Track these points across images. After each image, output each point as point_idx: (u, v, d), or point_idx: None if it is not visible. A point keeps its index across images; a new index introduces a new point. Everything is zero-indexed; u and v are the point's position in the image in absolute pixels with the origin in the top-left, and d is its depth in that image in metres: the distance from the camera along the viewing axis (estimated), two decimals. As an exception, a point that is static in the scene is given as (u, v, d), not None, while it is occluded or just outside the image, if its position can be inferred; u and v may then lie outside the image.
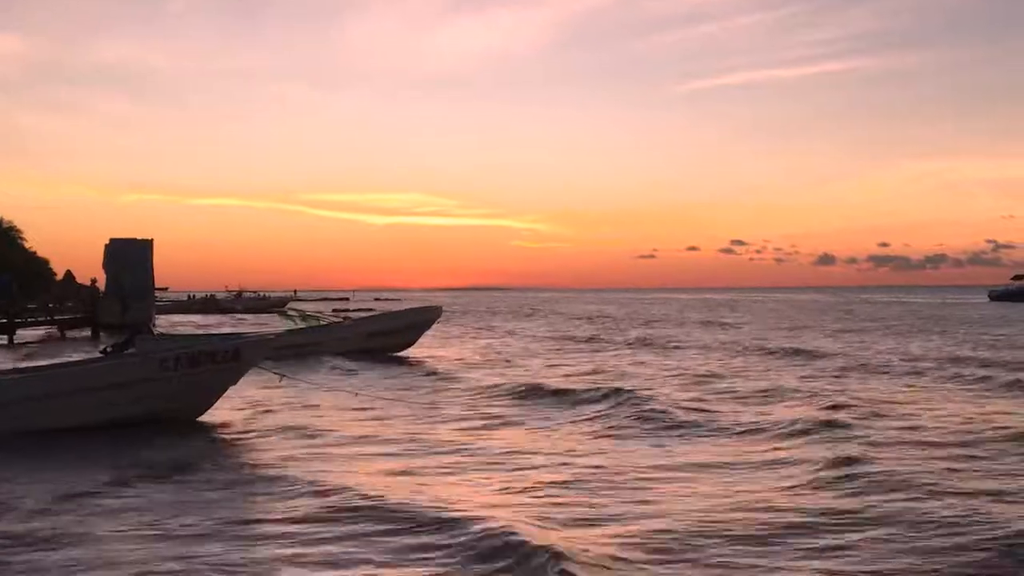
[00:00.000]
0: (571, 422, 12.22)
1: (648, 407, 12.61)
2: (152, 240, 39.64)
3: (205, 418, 12.57)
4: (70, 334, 35.76)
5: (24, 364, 16.87)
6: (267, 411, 13.45)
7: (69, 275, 51.15)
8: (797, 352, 24.46)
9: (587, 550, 5.87)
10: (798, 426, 11.01)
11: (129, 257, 38.39)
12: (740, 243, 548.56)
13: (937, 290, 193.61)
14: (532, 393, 15.19)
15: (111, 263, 38.48)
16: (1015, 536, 6.11)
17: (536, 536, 6.07)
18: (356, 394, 14.69)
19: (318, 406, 13.98)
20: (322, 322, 27.70)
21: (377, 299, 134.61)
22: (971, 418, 11.79)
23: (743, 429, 11.15)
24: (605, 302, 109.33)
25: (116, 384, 11.76)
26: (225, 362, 12.30)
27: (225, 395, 12.86)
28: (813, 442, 10.09)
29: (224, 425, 12.11)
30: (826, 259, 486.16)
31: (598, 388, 14.83)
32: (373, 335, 25.17)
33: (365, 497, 7.44)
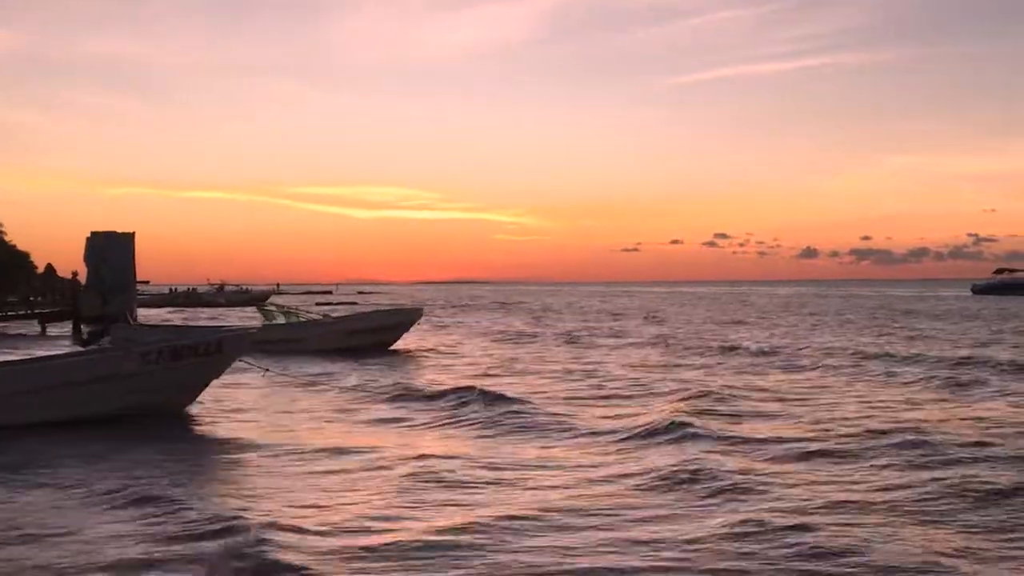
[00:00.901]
0: (422, 424, 11.95)
1: (511, 409, 12.49)
2: (134, 233, 39.30)
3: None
4: (50, 328, 35.56)
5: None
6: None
7: (50, 268, 50.76)
8: (711, 348, 24.45)
9: (343, 558, 5.82)
10: (649, 427, 10.83)
11: (110, 250, 38.04)
12: (723, 236, 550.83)
13: (925, 283, 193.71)
14: (404, 394, 14.72)
15: (92, 256, 38.15)
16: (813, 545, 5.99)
17: (286, 543, 5.99)
18: (335, 388, 14.72)
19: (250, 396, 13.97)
20: (302, 318, 27.60)
21: (360, 292, 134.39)
22: (835, 418, 11.63)
23: (592, 430, 10.93)
24: (583, 296, 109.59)
25: (98, 378, 11.68)
26: (207, 355, 12.25)
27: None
28: (656, 444, 9.92)
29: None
30: (809, 252, 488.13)
31: (472, 388, 14.34)
32: (354, 333, 25.12)
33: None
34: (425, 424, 11.88)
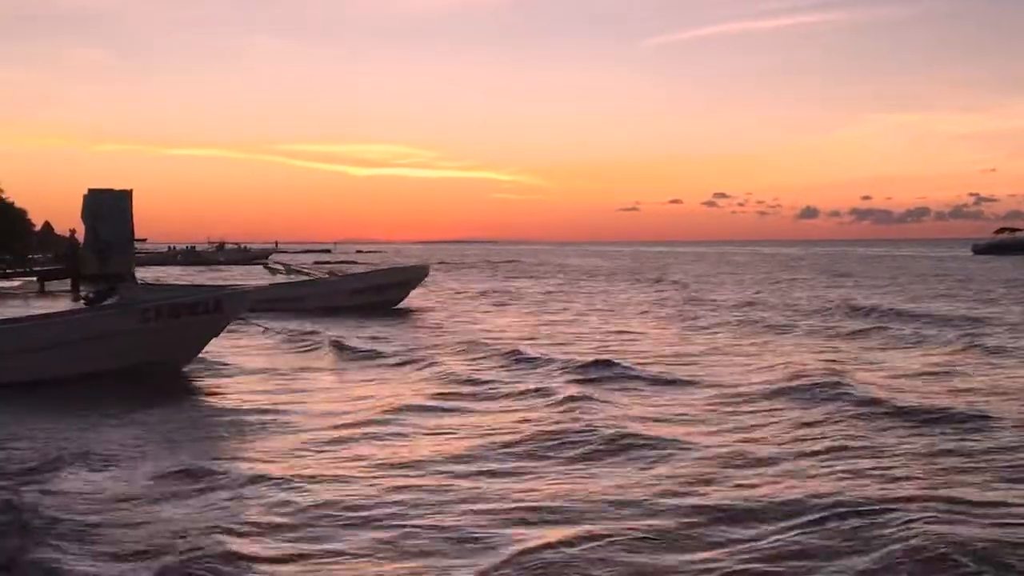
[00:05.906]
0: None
1: None
2: (131, 191, 39.09)
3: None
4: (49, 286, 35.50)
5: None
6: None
7: (47, 226, 50.65)
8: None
9: None
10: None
11: (107, 208, 37.84)
12: (723, 196, 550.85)
13: (927, 244, 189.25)
14: None
15: (90, 214, 37.97)
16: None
17: None
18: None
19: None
20: (309, 276, 27.50)
21: (359, 251, 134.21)
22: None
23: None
24: (566, 255, 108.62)
25: (96, 336, 11.64)
26: (206, 313, 12.20)
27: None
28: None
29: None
30: (809, 212, 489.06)
31: None
32: (359, 292, 25.03)
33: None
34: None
